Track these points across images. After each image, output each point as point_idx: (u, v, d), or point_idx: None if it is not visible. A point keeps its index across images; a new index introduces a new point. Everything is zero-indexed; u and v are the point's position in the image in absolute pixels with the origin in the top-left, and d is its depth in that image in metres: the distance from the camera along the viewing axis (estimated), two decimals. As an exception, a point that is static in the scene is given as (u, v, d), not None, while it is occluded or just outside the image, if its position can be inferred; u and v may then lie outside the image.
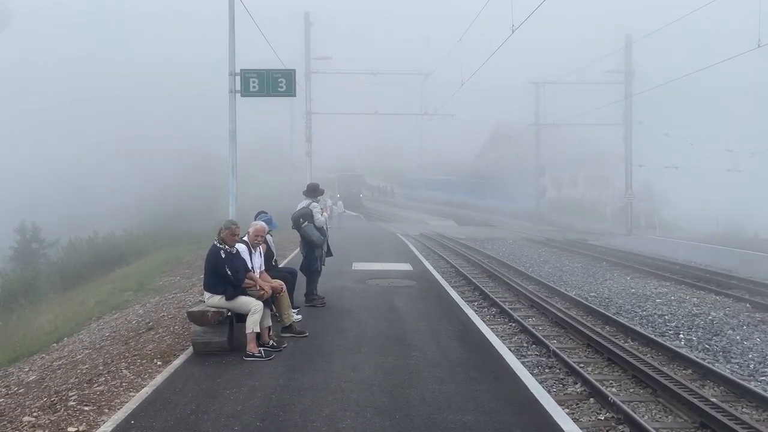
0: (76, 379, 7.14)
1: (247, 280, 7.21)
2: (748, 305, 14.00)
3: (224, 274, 6.93)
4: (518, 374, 6.51)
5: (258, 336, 7.01)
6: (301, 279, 9.75)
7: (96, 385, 6.62)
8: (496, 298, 13.42)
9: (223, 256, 6.98)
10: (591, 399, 7.36)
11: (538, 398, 5.80)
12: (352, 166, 65.28)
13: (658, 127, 37.81)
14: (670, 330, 11.53)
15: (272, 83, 11.93)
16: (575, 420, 6.22)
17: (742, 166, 38.43)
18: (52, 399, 6.29)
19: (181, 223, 33.40)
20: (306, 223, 9.73)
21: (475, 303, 13.27)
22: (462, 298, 11.80)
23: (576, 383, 7.92)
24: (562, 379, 8.14)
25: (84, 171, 58.81)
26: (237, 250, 7.21)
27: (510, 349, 8.07)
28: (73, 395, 6.29)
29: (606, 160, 53.24)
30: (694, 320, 12.30)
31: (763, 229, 40.35)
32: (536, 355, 9.34)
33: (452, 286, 13.28)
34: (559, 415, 5.45)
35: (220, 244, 7.07)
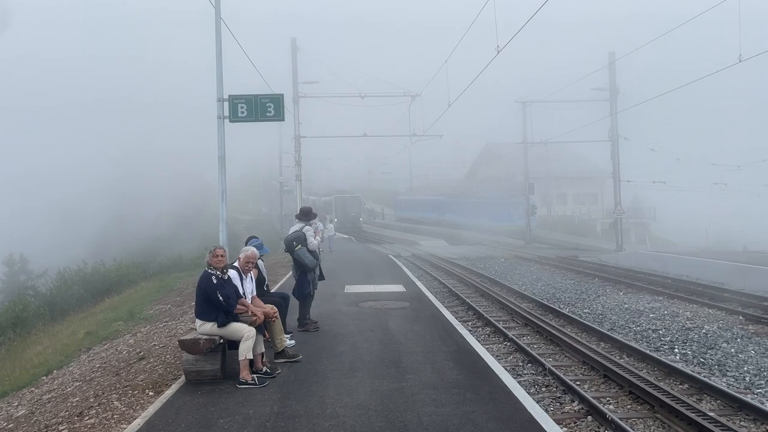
0: (67, 413, 7.01)
1: (239, 306, 7.15)
2: (741, 318, 14.03)
3: (216, 300, 6.86)
4: (515, 394, 6.46)
5: (251, 363, 6.92)
6: (294, 303, 9.67)
7: (87, 418, 6.50)
8: (490, 318, 13.37)
9: (215, 281, 6.92)
10: (589, 417, 7.31)
11: (536, 418, 5.74)
12: (349, 188, 63.99)
13: (644, 143, 38.19)
14: (664, 344, 11.52)
15: (260, 108, 11.93)
16: (574, 439, 6.16)
17: (729, 180, 38.82)
18: (42, 434, 6.17)
19: (171, 250, 33.19)
20: (299, 246, 9.69)
21: (470, 323, 13.21)
22: (456, 318, 11.74)
23: (573, 401, 7.87)
24: (559, 397, 8.09)
25: (70, 196, 58.47)
26: (228, 276, 7.15)
27: (506, 369, 8.02)
28: (64, 429, 6.17)
29: (594, 176, 53.72)
30: (689, 334, 12.30)
31: (751, 241, 40.68)
32: (532, 373, 9.29)
33: (446, 307, 13.22)
34: (557, 434, 5.40)
35: (212, 270, 7.01)
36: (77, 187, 59.26)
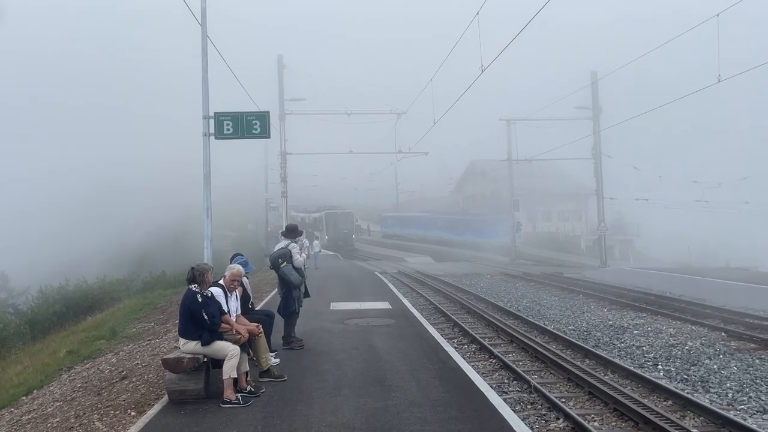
0: (46, 434, 6.90)
1: (223, 324, 7.10)
2: (723, 334, 14.17)
3: (201, 318, 6.81)
4: (500, 411, 6.46)
5: (235, 382, 6.86)
6: (279, 321, 9.62)
7: (67, 439, 6.40)
8: (475, 335, 13.38)
9: (200, 300, 6.88)
10: (574, 434, 7.32)
11: (521, 436, 5.74)
12: (340, 204, 63.22)
13: (627, 161, 38.68)
14: (648, 361, 11.59)
15: (246, 125, 11.95)
16: (559, 457, 6.16)
17: (710, 197, 39.36)
18: (21, 455, 6.06)
19: (155, 268, 32.88)
20: (285, 263, 9.67)
21: (455, 340, 13.21)
22: (442, 335, 11.74)
23: (558, 419, 7.88)
24: (544, 414, 8.09)
25: (52, 214, 57.75)
26: (212, 294, 7.11)
27: (491, 386, 8.02)
28: (43, 451, 6.06)
29: (578, 193, 54.18)
30: (672, 350, 12.39)
31: (733, 257, 41.17)
32: (518, 390, 9.29)
33: (431, 324, 13.22)
34: (542, 452, 5.40)
35: (196, 288, 6.97)
36: (58, 197, 58.48)
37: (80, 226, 55.88)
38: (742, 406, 8.80)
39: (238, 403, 6.66)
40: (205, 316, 6.80)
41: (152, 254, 45.38)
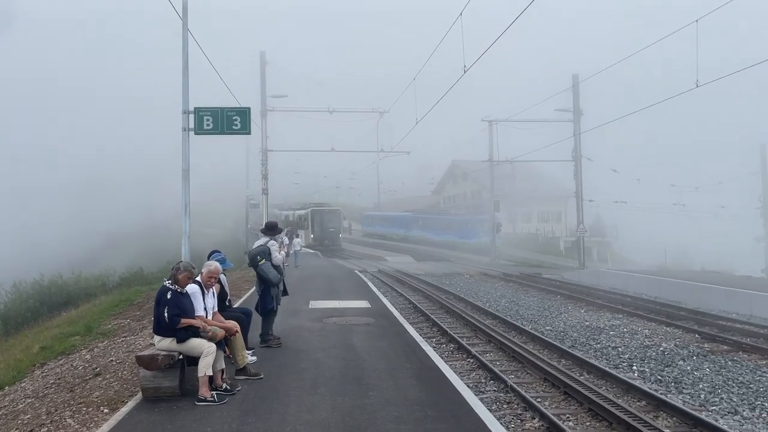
0: (17, 431, 6.78)
1: (185, 321, 6.91)
2: (697, 336, 14.38)
3: (161, 315, 6.71)
4: (476, 411, 6.48)
5: (211, 379, 6.80)
6: (256, 319, 9.56)
7: (37, 436, 6.29)
8: (454, 334, 13.43)
9: (169, 297, 6.78)
10: (549, 434, 7.38)
11: (496, 435, 5.77)
12: (328, 201, 61.37)
13: (606, 163, 39.13)
14: (623, 362, 11.72)
15: (227, 121, 11.86)
16: (533, 456, 6.20)
17: (687, 201, 39.99)
18: (-11, 453, 5.94)
19: (132, 264, 32.50)
20: (263, 261, 9.60)
21: (434, 339, 13.24)
22: (420, 334, 11.76)
23: (534, 418, 7.94)
24: (519, 414, 8.15)
25: (27, 210, 56.76)
26: (186, 291, 7.02)
27: (468, 386, 8.04)
28: (12, 448, 5.96)
29: (558, 195, 54.66)
30: (647, 351, 12.55)
31: (709, 261, 41.83)
32: (494, 390, 9.34)
33: (410, 323, 13.23)
34: (517, 451, 5.43)
35: (172, 284, 6.88)
36: (34, 207, 57.40)
37: (59, 218, 55.01)
38: (714, 407, 8.94)
39: (214, 401, 6.59)
40: (165, 314, 6.70)
41: (129, 249, 44.83)
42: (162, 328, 6.81)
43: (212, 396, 6.65)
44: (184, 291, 6.97)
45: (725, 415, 8.63)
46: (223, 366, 7.16)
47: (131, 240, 50.03)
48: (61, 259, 40.54)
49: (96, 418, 6.65)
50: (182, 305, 6.85)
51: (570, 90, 36.76)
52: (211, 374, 6.77)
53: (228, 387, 7.02)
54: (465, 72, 15.83)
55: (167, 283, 6.90)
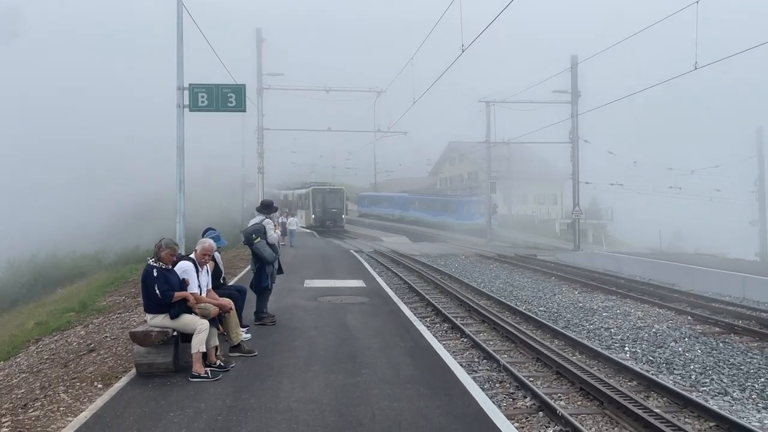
0: (11, 405, 6.80)
1: (177, 294, 6.92)
2: (689, 318, 14.47)
3: (152, 292, 6.72)
4: (469, 389, 6.52)
5: (204, 356, 6.82)
6: (251, 297, 9.58)
7: (31, 410, 6.32)
8: (448, 314, 13.48)
9: (155, 274, 6.77)
10: (540, 413, 7.44)
11: (487, 413, 5.81)
12: (330, 181, 58.67)
13: (603, 146, 39.09)
14: (616, 343, 11.80)
15: (222, 98, 11.78)
16: (524, 434, 6.26)
17: (683, 184, 40.02)
18: (-17, 427, 5.97)
19: (128, 242, 32.48)
20: (258, 239, 9.59)
21: (428, 319, 13.30)
22: (414, 314, 11.81)
23: (525, 397, 8.00)
24: (512, 393, 8.21)
25: (24, 186, 56.47)
26: (170, 267, 7.00)
27: (461, 365, 8.10)
28: (6, 421, 5.98)
29: (555, 177, 54.63)
30: (639, 333, 12.63)
31: (703, 244, 42.02)
32: (487, 369, 9.40)
33: (405, 303, 13.28)
34: (508, 429, 5.47)
35: (156, 262, 6.87)
36: (30, 183, 57.09)
37: (57, 199, 54.80)
38: (705, 388, 9.02)
39: (207, 377, 6.62)
40: (157, 291, 6.71)
41: (126, 228, 44.70)
42: (153, 304, 6.82)
43: (206, 372, 6.68)
44: (170, 267, 6.97)
45: (715, 395, 8.71)
46: (217, 343, 7.19)
47: (129, 218, 49.82)
48: (61, 238, 40.36)
49: (90, 393, 6.67)
50: (170, 281, 6.85)
51: (569, 71, 36.54)
52: (205, 351, 6.79)
53: (222, 364, 7.05)
54: (463, 51, 15.73)
55: (151, 261, 6.90)
